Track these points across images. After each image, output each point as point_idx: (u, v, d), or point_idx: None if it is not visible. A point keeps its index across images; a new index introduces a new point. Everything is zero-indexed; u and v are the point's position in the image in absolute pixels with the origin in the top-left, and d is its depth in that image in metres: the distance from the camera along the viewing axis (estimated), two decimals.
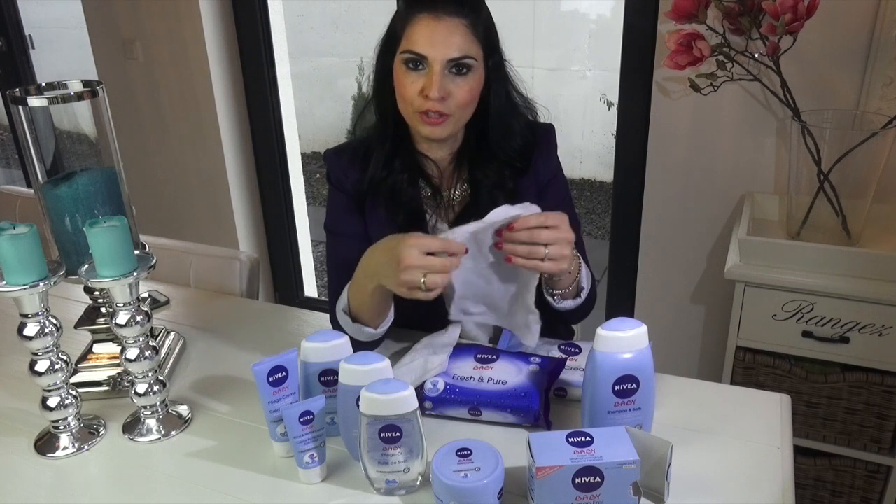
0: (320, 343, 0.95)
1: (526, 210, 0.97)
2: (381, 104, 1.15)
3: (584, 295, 1.11)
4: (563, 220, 0.97)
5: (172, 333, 1.26)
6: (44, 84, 1.09)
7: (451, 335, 1.11)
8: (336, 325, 1.14)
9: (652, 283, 2.05)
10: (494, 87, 1.12)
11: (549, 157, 1.21)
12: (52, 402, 0.99)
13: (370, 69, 1.16)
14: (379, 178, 1.15)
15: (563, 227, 0.96)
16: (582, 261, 1.11)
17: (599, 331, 0.88)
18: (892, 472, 1.58)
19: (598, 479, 0.78)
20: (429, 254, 0.93)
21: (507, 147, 1.15)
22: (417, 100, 1.06)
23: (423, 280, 0.92)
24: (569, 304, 1.11)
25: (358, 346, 1.01)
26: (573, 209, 1.24)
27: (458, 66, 1.05)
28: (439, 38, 1.03)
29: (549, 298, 1.10)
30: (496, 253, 1.02)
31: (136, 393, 1.02)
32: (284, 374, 0.93)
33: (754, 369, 1.62)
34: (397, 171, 1.15)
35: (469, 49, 1.05)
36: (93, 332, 1.17)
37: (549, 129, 1.23)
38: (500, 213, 0.97)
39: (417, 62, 1.05)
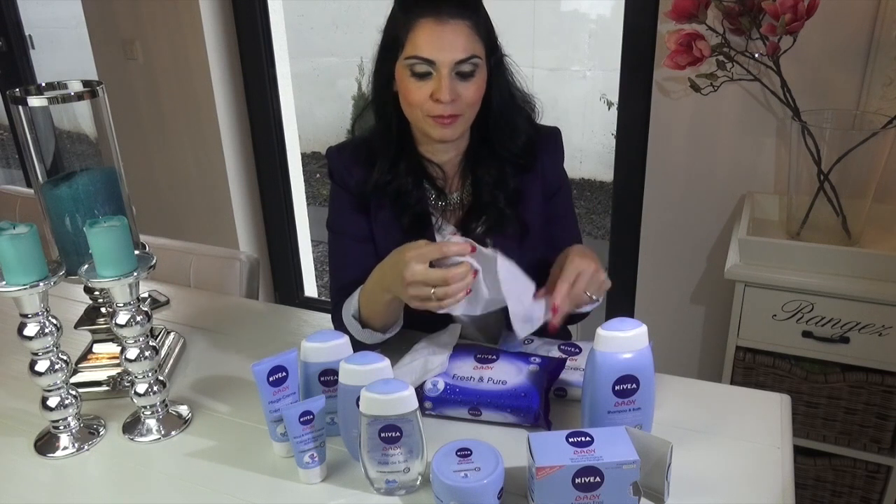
0: (320, 343, 0.95)
1: (495, 253, 0.96)
2: (383, 110, 1.14)
3: (598, 298, 1.11)
4: (589, 264, 1.01)
5: (172, 333, 1.26)
6: (44, 84, 1.09)
7: (451, 335, 1.11)
8: (338, 326, 1.14)
9: (652, 283, 2.05)
10: (496, 84, 1.12)
11: (557, 162, 1.21)
12: (52, 402, 0.99)
13: (370, 70, 1.15)
14: (384, 183, 1.15)
15: (596, 267, 1.03)
16: None
17: (599, 331, 0.88)
18: (892, 472, 1.58)
19: (598, 479, 0.78)
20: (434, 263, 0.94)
21: (510, 144, 1.15)
22: (427, 104, 1.05)
23: (433, 292, 0.93)
24: (586, 308, 1.11)
25: (358, 345, 1.00)
26: (576, 219, 1.26)
27: (464, 69, 1.04)
28: (446, 42, 1.02)
29: None
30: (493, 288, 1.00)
31: (136, 393, 1.02)
32: (284, 374, 0.93)
33: (754, 369, 1.61)
34: (402, 175, 1.14)
35: (475, 49, 1.04)
36: (93, 332, 1.17)
37: (555, 133, 1.22)
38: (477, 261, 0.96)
39: (424, 68, 1.04)
